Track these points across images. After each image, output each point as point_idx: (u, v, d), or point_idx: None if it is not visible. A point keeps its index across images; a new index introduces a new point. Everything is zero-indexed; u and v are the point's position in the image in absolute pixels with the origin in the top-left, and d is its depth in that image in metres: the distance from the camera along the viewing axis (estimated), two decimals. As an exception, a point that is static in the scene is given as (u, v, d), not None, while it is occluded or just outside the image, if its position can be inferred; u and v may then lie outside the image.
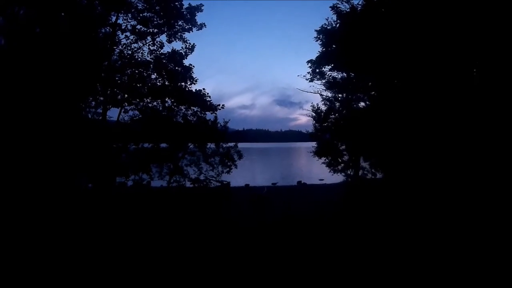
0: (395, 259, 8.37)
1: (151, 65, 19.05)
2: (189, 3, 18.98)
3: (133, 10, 18.17)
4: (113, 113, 18.59)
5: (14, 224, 11.13)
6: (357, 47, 17.40)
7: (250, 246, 9.78)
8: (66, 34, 14.93)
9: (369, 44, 16.72)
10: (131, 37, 18.48)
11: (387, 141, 17.12)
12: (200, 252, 9.20)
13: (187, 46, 19.34)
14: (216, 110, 19.65)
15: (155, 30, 18.76)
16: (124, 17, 18.20)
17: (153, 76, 19.33)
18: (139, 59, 18.86)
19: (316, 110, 22.13)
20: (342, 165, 21.59)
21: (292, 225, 12.42)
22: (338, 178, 22.49)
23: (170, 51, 19.17)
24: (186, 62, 19.38)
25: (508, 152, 12.65)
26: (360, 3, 18.68)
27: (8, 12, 14.36)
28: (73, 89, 15.19)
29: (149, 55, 18.96)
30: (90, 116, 17.62)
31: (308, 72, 21.99)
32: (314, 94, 22.59)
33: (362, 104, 21.58)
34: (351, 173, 21.37)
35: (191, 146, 19.60)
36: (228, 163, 19.52)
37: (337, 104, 22.22)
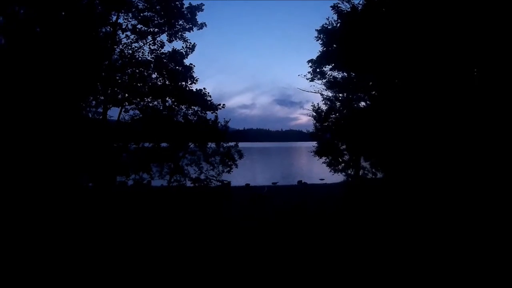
0: (395, 258, 8.37)
1: (152, 65, 19.05)
2: (190, 3, 19.01)
3: (133, 10, 18.17)
4: (113, 113, 18.66)
5: (15, 223, 11.14)
6: (357, 46, 17.38)
7: (250, 245, 9.78)
8: (66, 34, 14.92)
9: (369, 43, 16.71)
10: (132, 36, 18.50)
11: (388, 141, 17.11)
12: (201, 251, 9.20)
13: (188, 46, 19.34)
14: (217, 110, 19.66)
15: (156, 29, 18.75)
16: (125, 17, 18.22)
17: (153, 76, 19.35)
18: (139, 59, 18.86)
19: (317, 110, 22.13)
20: (343, 164, 21.59)
21: (292, 225, 12.42)
22: (339, 177, 22.49)
23: (170, 50, 19.17)
24: (186, 61, 19.41)
25: (508, 152, 12.64)
26: (360, 2, 18.68)
27: (8, 12, 14.37)
28: (73, 89, 15.21)
29: (149, 54, 18.97)
30: (90, 116, 17.63)
31: (309, 72, 21.99)
32: (315, 94, 22.60)
33: (362, 103, 21.57)
34: (352, 172, 21.36)
35: (191, 146, 19.60)
36: (229, 163, 19.52)
37: (338, 103, 22.21)
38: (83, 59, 15.39)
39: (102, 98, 17.79)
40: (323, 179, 29.81)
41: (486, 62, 14.27)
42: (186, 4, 18.89)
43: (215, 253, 9.03)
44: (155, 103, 19.08)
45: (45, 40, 14.57)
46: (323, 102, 22.29)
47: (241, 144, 20.41)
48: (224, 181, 20.63)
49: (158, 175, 18.71)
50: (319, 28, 20.70)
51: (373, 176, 20.80)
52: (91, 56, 15.93)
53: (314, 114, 22.17)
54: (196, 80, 19.60)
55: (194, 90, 19.39)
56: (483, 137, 13.38)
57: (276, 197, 20.19)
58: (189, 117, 19.41)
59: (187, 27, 19.16)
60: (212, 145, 19.67)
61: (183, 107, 19.39)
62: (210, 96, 19.48)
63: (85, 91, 16.45)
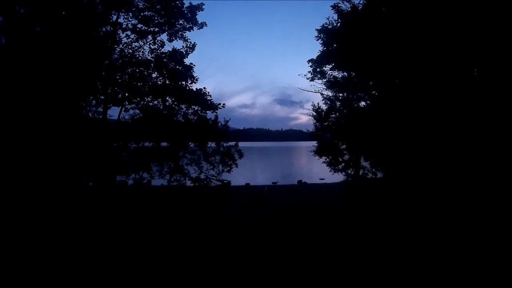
0: (395, 257, 8.37)
1: (152, 64, 19.02)
2: (190, 2, 18.91)
3: (134, 9, 18.15)
4: (113, 112, 18.62)
5: (15, 222, 11.15)
6: (358, 46, 17.37)
7: (250, 245, 9.78)
8: (66, 33, 14.92)
9: (370, 43, 16.70)
10: (132, 36, 18.48)
11: (388, 140, 17.11)
12: (201, 251, 9.21)
13: (188, 45, 19.31)
14: (217, 109, 19.63)
15: (156, 29, 18.73)
16: (125, 16, 18.19)
17: (153, 75, 19.31)
18: (139, 58, 18.84)
19: (317, 110, 22.12)
20: (343, 164, 21.58)
21: (292, 225, 12.42)
22: (339, 177, 22.49)
23: (170, 50, 19.13)
24: (186, 61, 19.34)
25: (508, 152, 12.64)
26: (361, 2, 18.67)
27: (9, 11, 14.36)
28: (73, 88, 15.20)
29: (149, 54, 18.93)
30: (90, 115, 17.62)
31: (309, 71, 21.98)
32: (315, 94, 22.55)
33: (363, 103, 21.55)
34: (352, 172, 21.35)
35: (191, 145, 19.59)
36: (229, 162, 19.51)
37: (338, 103, 22.19)
38: (83, 59, 15.38)
39: (102, 97, 17.78)
40: (323, 179, 29.85)
41: (486, 62, 14.26)
42: (186, 4, 18.87)
43: (215, 253, 9.04)
44: (155, 102, 19.06)
45: (45, 39, 14.56)
46: (323, 101, 22.30)
47: (241, 144, 20.40)
48: (224, 181, 20.62)
49: (158, 175, 18.70)
50: (319, 28, 20.70)
51: (373, 176, 20.79)
52: (91, 55, 15.92)
53: (314, 113, 22.17)
54: (196, 80, 19.60)
55: (194, 89, 19.38)
56: (483, 137, 13.37)
57: (276, 196, 20.21)
58: (189, 116, 19.39)
59: (187, 26, 19.13)
60: (212, 144, 19.66)
61: (183, 106, 19.37)
62: (210, 96, 19.48)
63: (85, 90, 16.45)
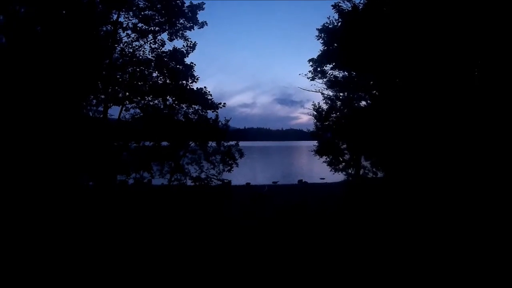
0: (396, 257, 8.36)
1: (152, 63, 19.01)
2: (191, 1, 18.87)
3: (134, 8, 18.14)
4: (114, 111, 18.59)
5: (15, 222, 11.15)
6: (358, 46, 17.35)
7: (251, 244, 9.78)
8: (67, 33, 14.91)
9: (370, 43, 16.67)
10: (133, 35, 18.46)
11: (388, 140, 17.09)
12: (201, 250, 9.21)
13: (188, 44, 19.29)
14: (217, 109, 19.61)
15: (157, 28, 18.71)
16: (126, 15, 18.18)
17: (154, 74, 19.30)
18: (140, 57, 18.83)
19: (317, 109, 22.10)
20: (343, 164, 21.57)
21: (292, 224, 12.42)
22: (339, 177, 22.49)
23: (171, 49, 19.12)
24: (187, 60, 19.31)
25: (508, 152, 12.62)
26: (361, 2, 18.65)
27: (9, 11, 14.35)
28: (74, 87, 15.19)
29: (150, 53, 18.92)
30: (91, 114, 17.63)
31: (310, 71, 21.95)
32: (315, 93, 22.54)
33: (363, 103, 21.53)
34: (352, 172, 21.34)
35: (192, 145, 19.59)
36: (229, 162, 19.50)
37: (338, 103, 22.17)
38: (84, 58, 15.37)
39: (102, 96, 17.78)
40: (323, 179, 29.86)
41: (486, 62, 14.24)
42: (187, 3, 18.85)
43: (216, 252, 9.04)
44: (156, 101, 19.05)
45: (45, 39, 14.55)
46: (324, 101, 22.27)
47: (242, 143, 20.40)
48: (225, 180, 20.62)
49: (158, 174, 18.69)
50: (320, 27, 20.67)
51: (374, 176, 20.78)
52: (92, 55, 15.92)
53: (315, 113, 22.15)
54: (197, 79, 19.58)
55: (195, 89, 19.37)
56: (483, 137, 13.36)
57: (277, 196, 20.22)
58: (189, 116, 19.38)
59: (188, 25, 19.11)
60: (212, 144, 19.65)
61: (183, 106, 19.36)
62: (210, 95, 19.46)
63: (86, 89, 16.44)
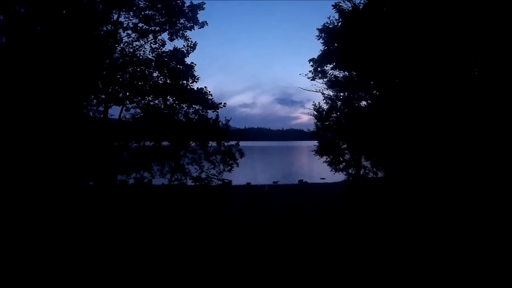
0: (396, 256, 8.35)
1: (153, 63, 19.03)
2: (191, 1, 18.91)
3: (134, 8, 18.16)
4: (114, 111, 18.62)
5: (16, 221, 11.16)
6: (359, 45, 17.34)
7: (251, 244, 9.77)
8: (67, 33, 14.91)
9: (371, 43, 16.66)
10: (133, 35, 18.49)
11: (389, 140, 17.08)
12: (201, 250, 9.20)
13: (189, 44, 19.31)
14: (218, 108, 19.64)
15: (157, 28, 18.73)
16: (126, 15, 18.20)
17: (154, 74, 19.33)
18: (140, 57, 18.86)
19: (318, 109, 22.10)
20: (344, 164, 21.58)
21: (293, 224, 12.41)
22: (340, 177, 22.49)
23: (171, 49, 19.16)
24: (187, 60, 19.37)
25: (508, 151, 12.61)
26: (362, 2, 18.65)
27: (9, 11, 14.36)
28: (74, 87, 15.21)
29: (150, 53, 18.96)
30: (91, 114, 17.65)
31: (310, 71, 21.96)
32: (316, 93, 22.55)
33: (363, 103, 21.55)
34: (353, 172, 21.34)
35: (192, 144, 19.60)
36: (230, 162, 19.52)
37: (339, 103, 22.18)
38: (84, 58, 15.38)
39: (103, 96, 17.80)
40: (324, 178, 29.85)
41: (486, 62, 14.22)
42: (187, 3, 18.88)
43: (216, 252, 9.03)
44: (156, 101, 19.08)
45: (46, 39, 14.56)
46: (324, 101, 22.29)
47: (242, 143, 20.41)
48: (225, 180, 20.64)
49: (159, 174, 18.72)
50: (320, 27, 20.69)
51: (374, 176, 20.78)
52: (92, 55, 15.93)
53: (315, 113, 22.16)
54: (197, 79, 19.59)
55: (195, 88, 19.39)
56: (483, 136, 13.35)
57: (277, 196, 20.20)
58: (190, 115, 19.40)
59: (188, 25, 19.12)
60: (213, 144, 19.67)
61: (184, 105, 19.37)
62: (211, 95, 19.48)
63: (86, 89, 16.46)
